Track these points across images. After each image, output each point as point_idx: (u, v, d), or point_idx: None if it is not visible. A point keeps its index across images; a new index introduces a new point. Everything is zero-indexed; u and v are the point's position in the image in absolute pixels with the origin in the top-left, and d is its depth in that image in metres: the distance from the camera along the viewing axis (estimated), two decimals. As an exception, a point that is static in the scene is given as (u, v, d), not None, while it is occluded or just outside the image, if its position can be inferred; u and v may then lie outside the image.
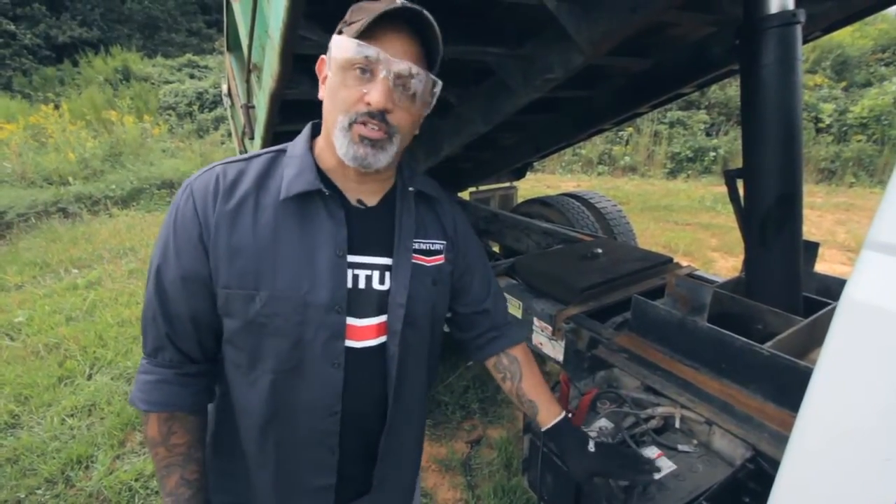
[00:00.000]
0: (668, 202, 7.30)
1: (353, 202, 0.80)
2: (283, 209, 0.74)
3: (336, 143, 0.73)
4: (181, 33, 16.32)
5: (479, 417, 2.44)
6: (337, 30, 0.74)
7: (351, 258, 0.77)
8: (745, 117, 1.31)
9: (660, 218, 6.50)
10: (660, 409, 1.13)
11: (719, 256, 5.06)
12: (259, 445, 0.80)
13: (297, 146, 0.80)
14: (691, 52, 1.85)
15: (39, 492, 2.02)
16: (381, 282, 0.80)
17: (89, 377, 2.86)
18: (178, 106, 11.50)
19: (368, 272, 0.79)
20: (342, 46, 0.69)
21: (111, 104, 10.44)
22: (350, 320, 0.77)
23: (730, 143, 9.24)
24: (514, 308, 1.81)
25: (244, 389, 0.78)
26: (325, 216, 0.76)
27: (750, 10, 1.24)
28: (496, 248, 3.18)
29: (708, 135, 9.81)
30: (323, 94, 0.76)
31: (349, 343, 0.77)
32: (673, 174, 9.50)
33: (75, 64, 13.01)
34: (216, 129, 10.85)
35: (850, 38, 10.45)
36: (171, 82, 12.37)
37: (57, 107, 9.91)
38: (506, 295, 1.84)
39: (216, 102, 11.36)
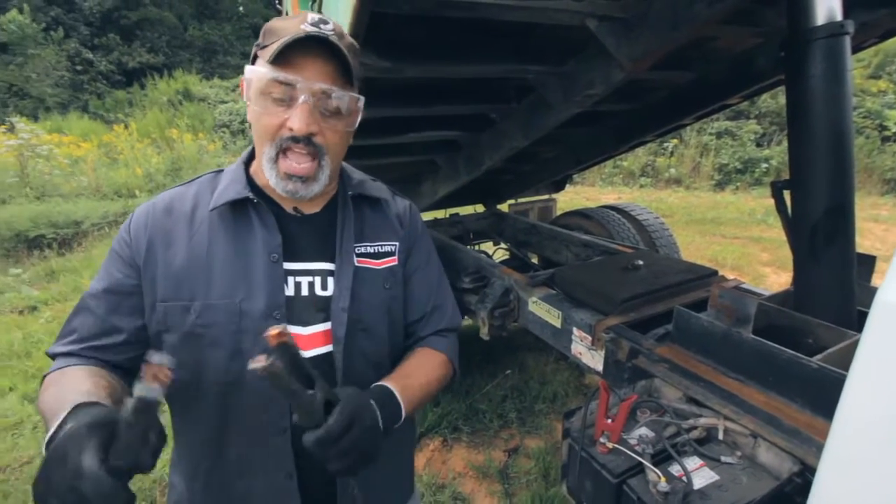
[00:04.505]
0: (714, 215, 7.03)
1: (289, 210, 0.80)
2: (217, 220, 0.75)
3: (265, 174, 0.72)
4: (236, 56, 17.45)
5: (517, 427, 2.44)
6: (252, 53, 0.73)
7: (291, 265, 0.76)
8: (792, 129, 1.30)
9: (706, 231, 6.26)
10: (702, 420, 1.13)
11: (771, 272, 4.82)
12: (217, 460, 0.77)
13: (234, 164, 0.82)
14: (736, 63, 1.83)
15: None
16: (325, 287, 0.78)
17: (152, 374, 3.08)
18: (232, 124, 12.25)
19: (310, 278, 0.77)
20: (258, 74, 0.68)
21: (172, 123, 11.28)
22: (294, 329, 0.74)
23: (783, 153, 8.78)
24: (553, 318, 1.83)
25: (192, 406, 0.76)
26: (257, 224, 0.75)
27: (795, 21, 1.23)
28: (535, 259, 3.19)
29: (758, 145, 9.38)
30: (250, 116, 0.75)
31: None
32: (720, 186, 9.13)
33: (142, 87, 14.20)
34: (266, 144, 11.46)
35: (918, 40, 9.75)
36: (226, 102, 13.21)
37: (126, 126, 10.80)
38: (546, 305, 1.86)
39: (266, 120, 12.00)
